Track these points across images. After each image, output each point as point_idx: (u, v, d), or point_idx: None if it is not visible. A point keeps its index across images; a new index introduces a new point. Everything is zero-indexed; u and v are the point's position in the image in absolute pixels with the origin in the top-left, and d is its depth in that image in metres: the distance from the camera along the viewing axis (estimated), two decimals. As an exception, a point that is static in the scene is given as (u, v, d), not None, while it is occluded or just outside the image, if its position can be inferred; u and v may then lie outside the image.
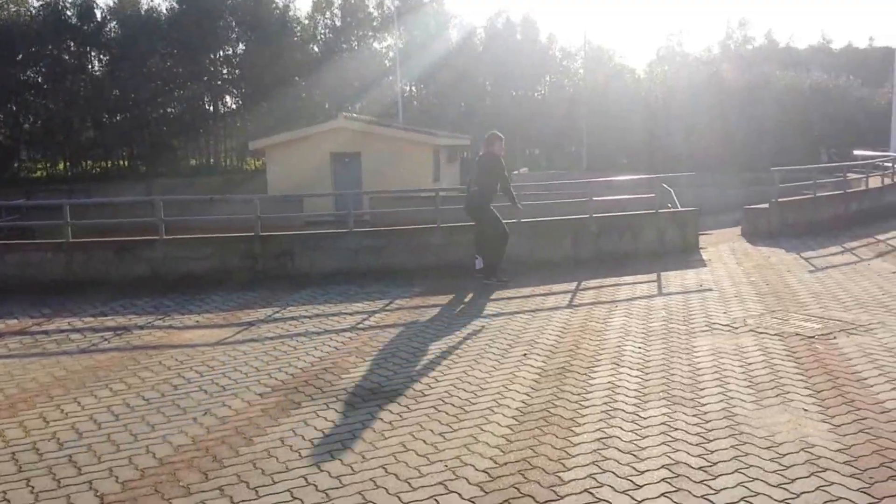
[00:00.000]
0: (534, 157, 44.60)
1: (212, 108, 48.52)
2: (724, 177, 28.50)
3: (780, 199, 14.88)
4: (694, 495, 4.15)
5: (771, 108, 34.04)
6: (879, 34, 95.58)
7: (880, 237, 13.88)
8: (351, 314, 9.10)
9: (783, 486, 4.22)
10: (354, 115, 38.60)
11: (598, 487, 4.29)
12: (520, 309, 9.03)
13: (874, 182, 18.34)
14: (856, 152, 23.58)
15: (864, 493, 4.11)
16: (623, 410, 5.46)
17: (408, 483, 4.47)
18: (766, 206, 14.97)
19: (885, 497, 4.05)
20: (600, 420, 5.29)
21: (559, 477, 4.45)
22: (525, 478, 4.46)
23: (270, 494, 4.40)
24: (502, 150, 10.66)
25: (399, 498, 4.29)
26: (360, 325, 8.55)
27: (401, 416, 5.56)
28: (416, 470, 4.64)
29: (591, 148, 38.18)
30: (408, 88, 48.77)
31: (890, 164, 19.53)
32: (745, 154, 32.35)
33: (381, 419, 5.52)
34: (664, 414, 5.36)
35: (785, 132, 33.11)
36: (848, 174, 18.10)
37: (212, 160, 48.37)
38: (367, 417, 5.57)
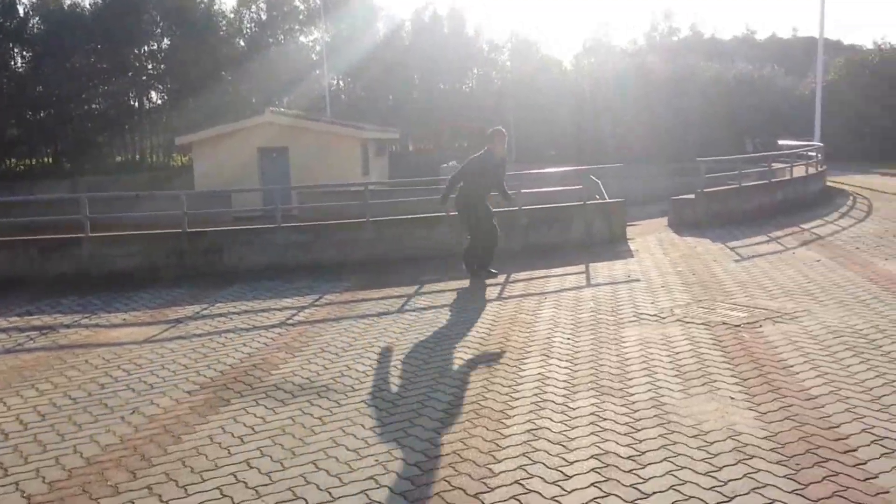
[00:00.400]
0: (463, 149, 44.69)
1: (137, 103, 47.50)
2: (651, 168, 29.03)
3: (706, 190, 15.19)
4: (623, 484, 4.18)
5: (697, 100, 34.76)
6: (802, 24, 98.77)
7: (805, 226, 14.29)
8: (280, 310, 8.94)
9: (711, 474, 4.27)
10: (282, 109, 38.12)
11: (528, 479, 4.28)
12: (449, 301, 9.00)
13: (798, 171, 18.87)
14: (780, 142, 24.19)
15: (791, 479, 4.18)
16: (553, 402, 5.47)
17: (338, 478, 4.40)
18: (693, 196, 15.26)
19: (810, 483, 4.12)
20: (530, 412, 5.29)
21: (490, 469, 4.43)
22: (456, 470, 4.43)
23: (200, 492, 4.32)
24: (503, 149, 9.98)
25: (330, 493, 4.22)
26: (290, 321, 8.40)
27: (331, 412, 5.47)
28: (346, 465, 4.57)
29: (520, 140, 38.42)
30: (336, 82, 48.45)
31: (814, 154, 20.11)
32: (671, 145, 32.97)
33: (312, 415, 5.43)
34: (593, 404, 5.39)
35: (711, 123, 33.83)
36: (773, 164, 18.59)
37: (137, 156, 47.40)
38: (297, 413, 5.48)
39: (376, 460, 4.62)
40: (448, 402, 5.56)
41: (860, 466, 4.29)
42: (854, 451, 4.50)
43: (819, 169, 19.73)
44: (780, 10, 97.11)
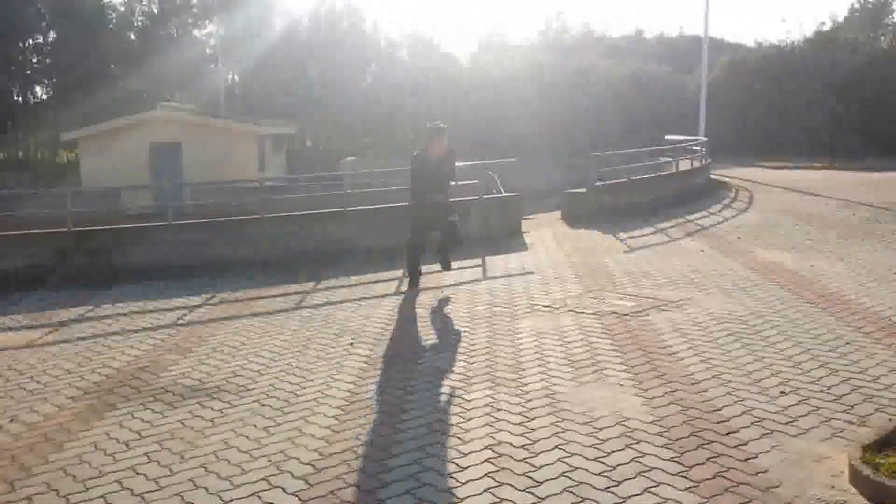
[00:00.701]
0: (363, 145, 44.42)
1: (21, 99, 45.17)
2: (547, 162, 29.57)
3: (597, 184, 15.58)
4: (516, 473, 4.24)
5: (590, 97, 35.65)
6: (689, 24, 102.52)
7: (690, 217, 14.83)
8: (171, 310, 8.67)
9: (600, 459, 4.38)
10: (175, 104, 36.99)
11: (423, 472, 4.29)
12: (347, 298, 8.94)
13: (684, 165, 19.59)
14: (668, 137, 25.04)
15: (676, 462, 4.33)
16: (448, 395, 5.50)
17: (229, 481, 4.30)
18: (585, 190, 15.64)
19: (694, 465, 4.28)
20: (426, 405, 5.31)
21: (385, 465, 4.41)
22: (351, 468, 4.40)
23: (83, 502, 4.16)
24: (442, 147, 9.12)
25: (220, 497, 4.12)
26: (181, 321, 8.16)
27: (222, 413, 5.34)
28: (238, 467, 4.47)
29: (420, 137, 38.49)
30: (232, 77, 47.33)
31: (699, 148, 20.90)
32: (567, 140, 33.70)
33: (202, 417, 5.29)
34: (488, 395, 5.45)
35: (604, 119, 34.77)
36: (660, 158, 19.21)
37: (20, 154, 45.11)
38: (187, 416, 5.33)
39: (269, 461, 4.54)
40: (344, 399, 5.51)
41: (741, 447, 4.49)
42: (735, 432, 4.70)
43: (704, 163, 20.52)
44: (667, 10, 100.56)
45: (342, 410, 5.29)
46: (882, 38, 35.88)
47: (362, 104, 42.41)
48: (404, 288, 9.40)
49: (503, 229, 13.33)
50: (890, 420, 4.59)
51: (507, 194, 14.39)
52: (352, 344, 6.92)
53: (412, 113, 39.57)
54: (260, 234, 11.63)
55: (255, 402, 5.54)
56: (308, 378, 6.01)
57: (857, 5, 38.78)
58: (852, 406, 5.01)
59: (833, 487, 3.98)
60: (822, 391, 5.28)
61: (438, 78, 40.55)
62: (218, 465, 4.52)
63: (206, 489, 4.22)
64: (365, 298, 8.86)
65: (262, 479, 4.31)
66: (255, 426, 5.08)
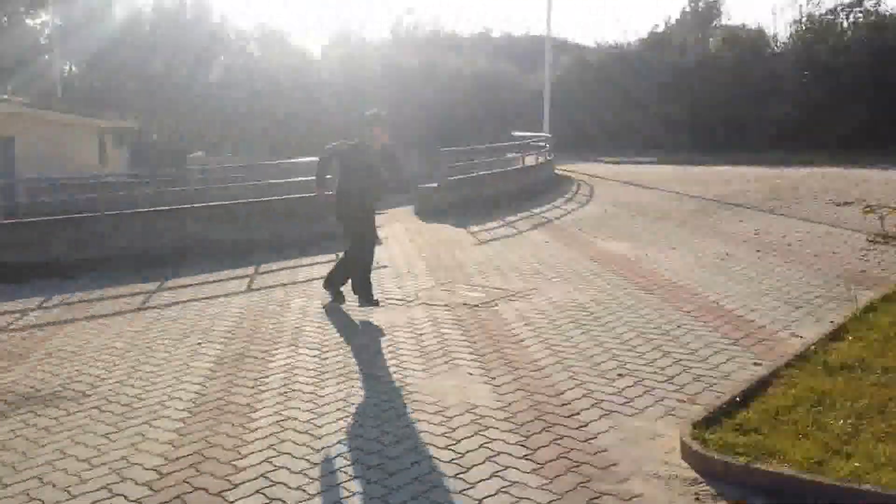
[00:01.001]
0: (212, 140, 43.05)
1: None
2: (401, 157, 29.76)
3: (448, 179, 15.84)
4: (369, 466, 4.27)
5: (440, 93, 36.10)
6: (534, 24, 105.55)
7: (536, 210, 15.34)
8: (1, 314, 8.12)
9: (450, 447, 4.49)
10: (6, 96, 34.47)
11: (274, 471, 4.25)
12: (195, 296, 8.68)
13: (530, 161, 20.24)
14: (515, 133, 25.76)
15: (522, 445, 4.49)
16: (301, 391, 5.47)
17: (66, 492, 4.10)
18: (436, 185, 15.87)
19: (539, 448, 4.45)
20: (278, 403, 5.25)
21: (234, 465, 4.34)
22: (198, 471, 4.29)
23: None
24: (385, 136, 7.86)
25: (57, 510, 3.93)
26: (12, 326, 7.67)
27: (59, 421, 5.07)
28: (76, 476, 4.27)
29: (277, 130, 37.73)
30: (69, 69, 44.61)
31: (543, 144, 21.63)
32: (420, 136, 33.99)
33: (37, 426, 5.01)
34: (342, 390, 5.45)
35: (454, 115, 35.31)
36: (508, 154, 19.75)
37: None
38: (21, 425, 5.03)
39: (110, 468, 4.35)
40: (191, 401, 5.36)
41: (582, 429, 4.71)
42: (577, 414, 4.93)
43: (548, 158, 21.29)
44: (513, 10, 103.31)
45: (189, 413, 5.15)
46: (710, 40, 38.19)
47: (211, 98, 41.09)
48: (256, 284, 9.23)
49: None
50: (717, 398, 4.94)
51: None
52: (200, 344, 6.74)
53: (263, 107, 38.74)
54: (102, 233, 11.06)
55: (94, 408, 5.29)
56: (153, 381, 5.80)
57: (688, 8, 41.11)
58: (683, 385, 5.36)
59: (666, 463, 4.24)
60: (655, 372, 5.62)
61: (291, 72, 39.88)
62: (54, 475, 4.30)
63: (42, 501, 4.01)
64: (215, 297, 8.64)
65: (103, 487, 4.14)
66: (94, 433, 4.85)
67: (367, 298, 7.81)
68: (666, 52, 36.52)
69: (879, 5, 32.60)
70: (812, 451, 4.07)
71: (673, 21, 41.05)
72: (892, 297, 7.03)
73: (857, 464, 3.93)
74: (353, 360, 6.14)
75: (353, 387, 5.52)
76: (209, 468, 4.31)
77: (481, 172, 17.02)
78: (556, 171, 22.22)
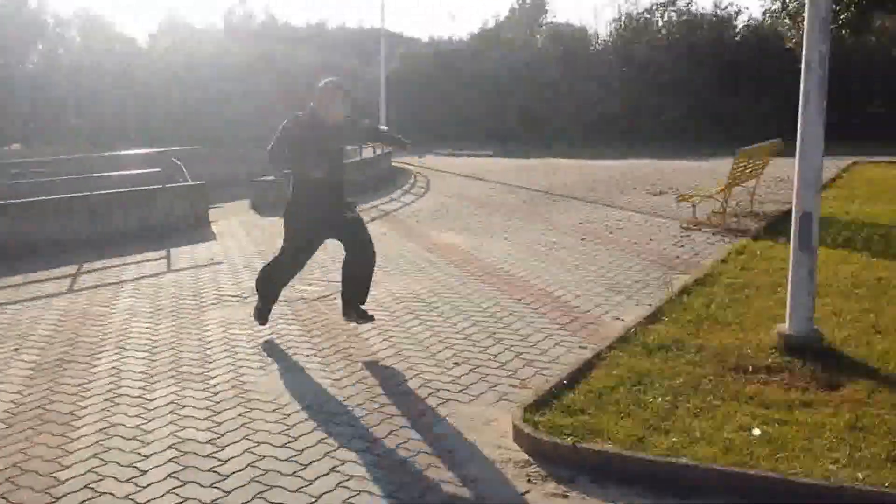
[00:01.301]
0: (29, 131, 40.09)
1: None
2: (238, 150, 28.90)
3: (285, 171, 15.51)
4: (202, 469, 4.15)
5: (273, 84, 35.34)
6: (369, 17, 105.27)
7: (374, 203, 15.31)
8: None
9: (288, 445, 4.43)
10: None
11: (99, 481, 4.05)
12: (10, 299, 8.09)
13: (367, 153, 20.23)
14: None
15: (361, 438, 4.50)
16: (128, 395, 5.23)
17: None
18: (273, 178, 15.54)
19: (377, 439, 4.49)
20: (103, 409, 4.99)
21: (55, 477, 4.09)
22: (15, 485, 4.02)
23: None
24: (339, 110, 6.30)
25: None
26: None
27: None
28: None
29: (104, 121, 35.65)
30: None
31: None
32: (258, 127, 33.13)
33: None
34: (172, 393, 5.26)
35: (292, 107, 34.69)
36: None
37: None
38: None
39: (-88, 490, 4.00)
40: (7, 411, 5.01)
41: (420, 418, 4.78)
42: (415, 404, 5.00)
43: (385, 151, 21.37)
44: (348, 2, 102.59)
45: (5, 424, 4.81)
46: (538, 37, 39.52)
47: (28, 87, 38.23)
48: (79, 285, 8.72)
49: (190, 219, 12.86)
50: (546, 381, 5.15)
51: (192, 182, 13.89)
52: (17, 350, 6.30)
53: (85, 97, 36.56)
54: None
55: None
56: (-39, 392, 5.37)
57: (516, 5, 42.34)
58: (515, 371, 5.55)
59: (500, 447, 4.39)
60: (489, 359, 5.79)
61: (115, 60, 37.79)
62: None
63: None
64: (36, 298, 8.09)
65: None
66: None
67: (359, 314, 6.40)
68: (497, 48, 37.49)
69: (691, 5, 34.90)
70: (633, 429, 4.34)
71: (502, 18, 42.16)
72: (704, 280, 7.59)
73: (674, 439, 4.22)
74: (185, 360, 5.94)
75: (184, 388, 5.34)
76: (28, 482, 4.05)
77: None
78: (394, 164, 22.35)
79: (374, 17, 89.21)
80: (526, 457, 4.26)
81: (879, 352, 5.43)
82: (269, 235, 11.77)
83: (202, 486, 3.98)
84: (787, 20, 18.66)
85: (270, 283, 6.56)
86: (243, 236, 11.86)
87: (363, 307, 6.45)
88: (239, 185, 17.50)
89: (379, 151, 20.49)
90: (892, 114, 28.11)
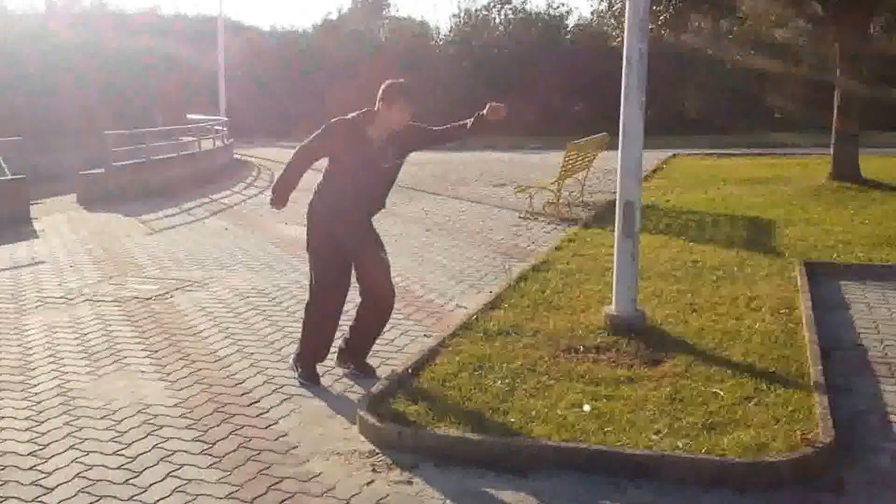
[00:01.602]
0: None
1: None
2: (63, 141, 27.19)
3: (115, 164, 14.82)
4: (23, 484, 3.88)
5: (104, 73, 33.48)
6: (205, 3, 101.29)
7: (214, 196, 14.90)
8: None
9: (120, 452, 4.21)
10: None
11: None
12: None
13: (207, 145, 19.59)
14: (190, 116, 24.75)
15: (199, 441, 4.35)
16: (-64, 409, 4.82)
17: None
18: (102, 171, 14.77)
19: (217, 441, 4.34)
20: None
21: None
22: None
23: None
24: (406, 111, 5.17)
25: None
26: None
27: None
28: None
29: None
30: None
31: (220, 128, 21.03)
32: (88, 118, 31.23)
33: None
34: (-11, 404, 4.89)
35: (123, 96, 32.90)
36: (183, 138, 18.93)
37: None
38: None
39: None
40: None
41: (263, 416, 4.69)
42: (258, 402, 4.90)
43: (226, 142, 20.79)
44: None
45: None
46: (381, 30, 39.50)
47: None
48: None
49: (7, 216, 11.99)
50: (392, 372, 5.18)
51: (12, 177, 12.97)
52: None
53: None
54: None
55: None
56: None
57: (358, -2, 42.07)
58: (361, 363, 5.53)
59: (346, 439, 4.36)
60: (335, 352, 5.67)
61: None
62: None
63: None
64: None
65: None
66: None
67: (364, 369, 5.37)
68: (340, 40, 37.19)
69: (526, 3, 35.99)
70: (475, 412, 4.44)
71: (346, 10, 41.84)
72: (540, 266, 7.88)
73: (512, 419, 4.36)
74: (4, 368, 5.53)
75: (3, 398, 4.97)
76: None
77: (154, 157, 16.12)
78: (236, 156, 21.77)
79: (211, 3, 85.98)
80: (371, 447, 4.26)
81: (695, 329, 5.86)
82: (98, 232, 11.19)
83: (24, 501, 3.72)
84: (612, 20, 19.57)
85: (308, 321, 5.33)
86: (69, 233, 11.19)
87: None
88: (65, 179, 16.44)
89: (220, 143, 19.88)
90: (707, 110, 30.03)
